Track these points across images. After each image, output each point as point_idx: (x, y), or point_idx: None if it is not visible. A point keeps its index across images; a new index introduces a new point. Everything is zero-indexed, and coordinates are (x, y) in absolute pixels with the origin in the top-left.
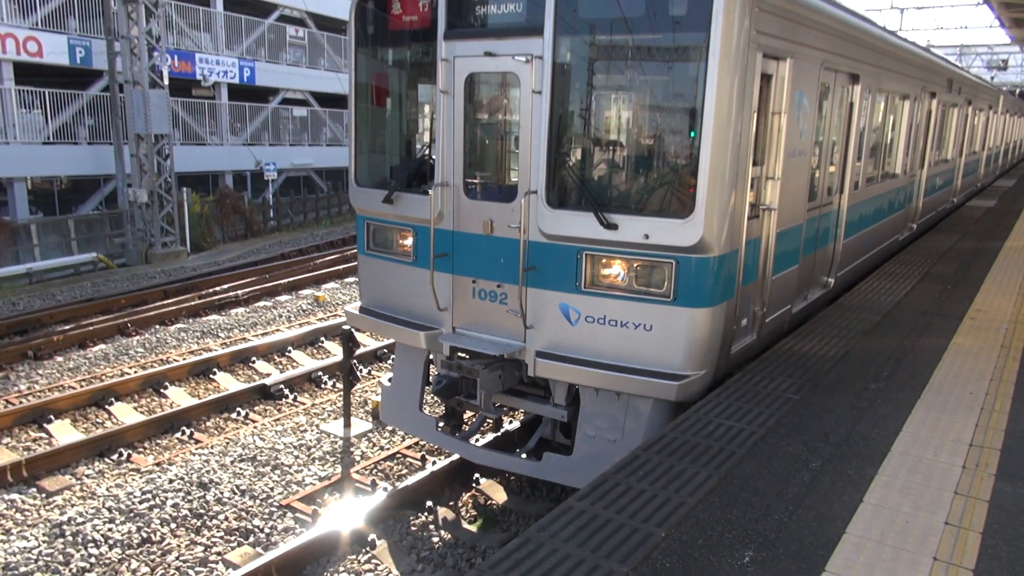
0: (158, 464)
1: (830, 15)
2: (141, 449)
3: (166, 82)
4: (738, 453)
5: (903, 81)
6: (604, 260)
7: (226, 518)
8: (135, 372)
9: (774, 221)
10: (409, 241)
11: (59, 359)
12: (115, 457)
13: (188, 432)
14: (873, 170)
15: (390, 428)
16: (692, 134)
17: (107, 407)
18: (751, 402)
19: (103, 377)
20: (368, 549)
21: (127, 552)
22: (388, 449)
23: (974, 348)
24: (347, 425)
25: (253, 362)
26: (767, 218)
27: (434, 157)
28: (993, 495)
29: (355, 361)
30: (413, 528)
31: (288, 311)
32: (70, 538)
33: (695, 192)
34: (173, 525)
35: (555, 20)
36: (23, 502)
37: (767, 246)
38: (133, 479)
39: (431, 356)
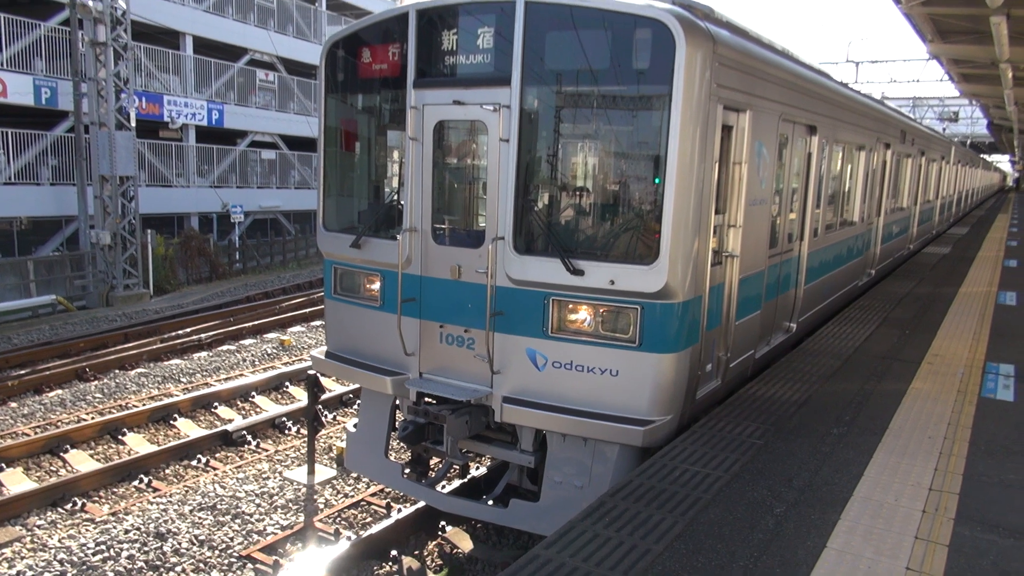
0: (113, 514)
1: (788, 69)
2: (96, 498)
3: (133, 124)
4: (703, 499)
5: (859, 132)
6: (571, 305)
7: (183, 570)
8: (92, 418)
9: (736, 267)
10: (376, 286)
11: (13, 405)
12: (68, 507)
13: (146, 480)
14: (832, 218)
15: (355, 475)
16: (656, 181)
17: (62, 455)
18: (716, 447)
19: (58, 423)
20: None
21: None
22: (353, 496)
23: (932, 392)
24: (311, 472)
25: (215, 408)
26: (730, 264)
27: (402, 202)
28: (953, 539)
29: (320, 406)
30: None
31: (252, 355)
32: None
33: (659, 239)
34: None
35: (522, 71)
36: None
37: (730, 292)
38: (87, 530)
39: (397, 401)
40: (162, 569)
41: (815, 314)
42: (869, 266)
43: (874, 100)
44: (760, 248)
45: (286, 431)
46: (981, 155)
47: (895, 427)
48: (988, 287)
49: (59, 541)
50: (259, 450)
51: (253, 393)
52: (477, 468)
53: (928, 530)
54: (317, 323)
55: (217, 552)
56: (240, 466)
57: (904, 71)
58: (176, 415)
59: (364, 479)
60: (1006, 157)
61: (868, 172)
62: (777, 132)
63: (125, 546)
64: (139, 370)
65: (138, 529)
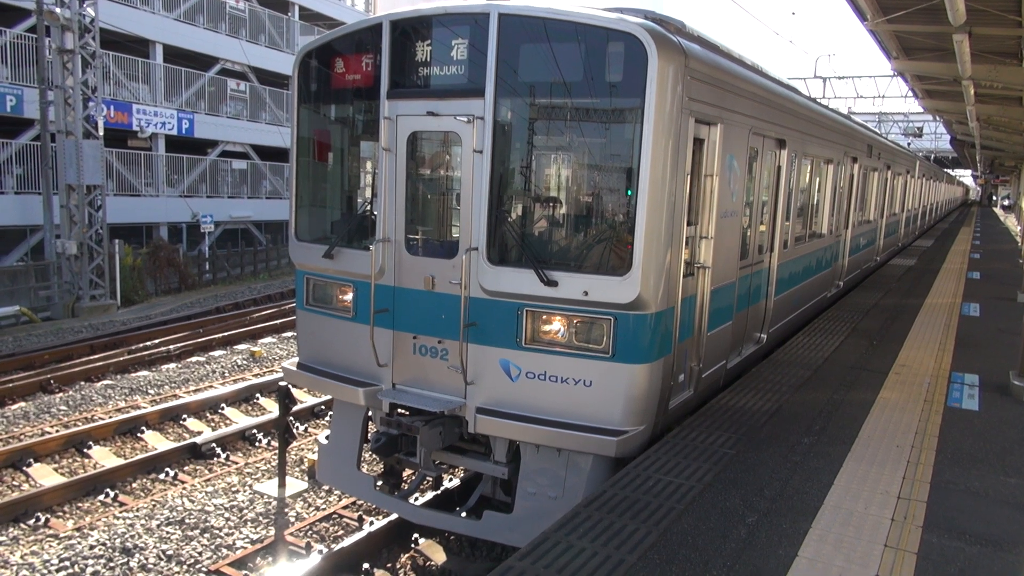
0: (78, 529)
1: (757, 84)
2: (60, 513)
3: (101, 132)
4: (677, 509)
5: (826, 146)
6: (544, 316)
7: None
8: (56, 431)
9: (708, 279)
10: (349, 296)
11: None
12: (31, 522)
13: (112, 494)
14: (801, 230)
15: (326, 487)
16: (629, 193)
17: (24, 469)
18: (689, 457)
19: (21, 436)
20: None
21: None
22: (324, 509)
23: (899, 402)
24: (282, 485)
25: (184, 420)
26: (701, 276)
27: (376, 213)
28: (921, 547)
29: (291, 418)
30: None
31: (222, 367)
32: None
33: (632, 250)
34: None
35: (496, 83)
36: None
37: (702, 303)
38: (50, 546)
39: (370, 413)
40: None
41: (785, 325)
42: (837, 278)
43: (841, 115)
44: (731, 260)
45: (256, 443)
46: (945, 170)
47: (864, 436)
48: (952, 298)
49: (21, 558)
50: (229, 463)
51: (223, 405)
52: (450, 480)
53: (897, 538)
54: (288, 334)
55: (185, 567)
56: (209, 479)
57: (870, 87)
58: (143, 428)
59: (336, 492)
60: (968, 172)
61: (836, 185)
62: (747, 145)
63: (90, 562)
64: (105, 382)
65: (103, 545)
